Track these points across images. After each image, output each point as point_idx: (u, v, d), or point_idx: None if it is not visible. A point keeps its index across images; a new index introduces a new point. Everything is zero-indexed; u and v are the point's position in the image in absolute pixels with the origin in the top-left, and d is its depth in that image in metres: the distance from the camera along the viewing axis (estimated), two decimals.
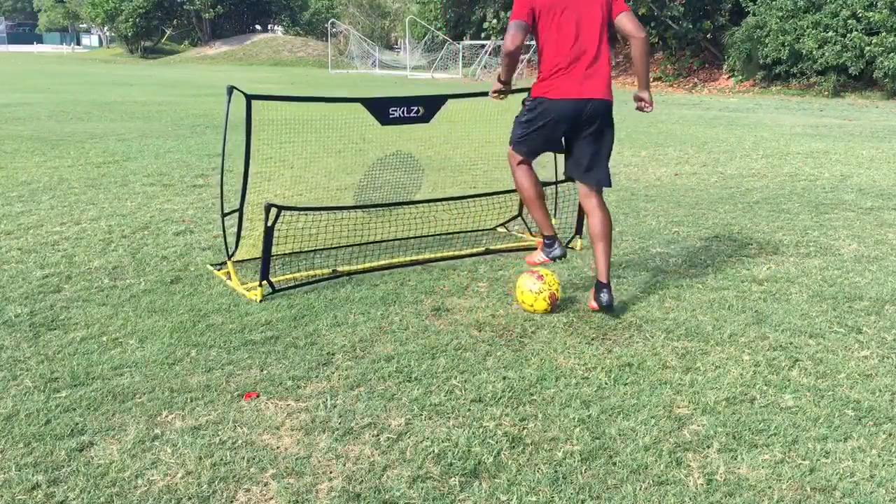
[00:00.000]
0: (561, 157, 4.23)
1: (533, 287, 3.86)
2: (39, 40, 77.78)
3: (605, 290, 3.81)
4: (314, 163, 7.46)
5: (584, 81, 3.75)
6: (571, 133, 3.86)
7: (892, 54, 19.85)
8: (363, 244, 5.01)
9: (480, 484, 2.39)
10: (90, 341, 3.39)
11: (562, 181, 5.28)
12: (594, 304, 3.87)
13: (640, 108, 4.05)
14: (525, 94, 4.01)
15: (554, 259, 4.03)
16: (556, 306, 3.91)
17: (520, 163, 4.00)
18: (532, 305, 3.87)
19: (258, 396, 2.92)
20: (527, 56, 29.68)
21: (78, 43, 74.47)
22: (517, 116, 4.02)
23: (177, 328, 3.56)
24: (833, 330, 3.70)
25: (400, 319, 3.75)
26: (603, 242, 3.86)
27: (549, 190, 5.52)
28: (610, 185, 3.99)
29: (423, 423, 2.75)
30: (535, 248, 4.23)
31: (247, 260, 4.54)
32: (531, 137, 3.92)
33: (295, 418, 2.76)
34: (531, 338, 3.55)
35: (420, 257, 4.77)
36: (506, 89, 4.06)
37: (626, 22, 3.80)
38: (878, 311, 3.96)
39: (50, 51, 65.71)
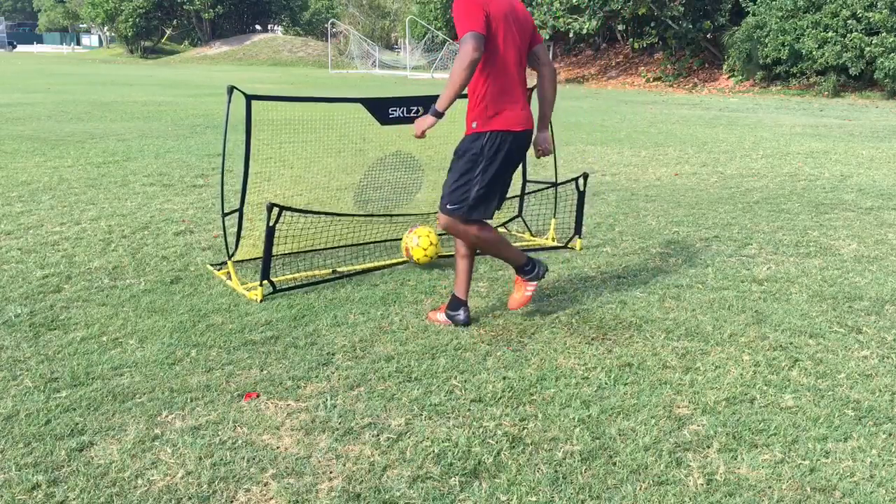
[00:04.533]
0: (558, 158, 4.21)
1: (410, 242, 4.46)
2: (39, 40, 77.79)
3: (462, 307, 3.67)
4: (314, 163, 7.46)
5: (526, 109, 3.51)
6: (512, 165, 3.54)
7: (892, 54, 19.84)
8: (363, 244, 5.02)
9: (480, 484, 2.39)
10: (90, 341, 3.39)
11: (562, 182, 5.29)
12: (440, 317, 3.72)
13: (543, 153, 3.76)
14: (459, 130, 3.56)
15: (541, 275, 3.68)
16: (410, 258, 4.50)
17: (470, 223, 3.51)
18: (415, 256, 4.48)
19: (258, 396, 2.92)
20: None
21: (78, 43, 74.47)
22: (457, 169, 3.47)
23: (177, 328, 3.56)
24: (833, 330, 3.70)
25: (400, 319, 3.75)
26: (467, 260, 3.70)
27: (549, 190, 5.54)
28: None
29: (423, 423, 2.75)
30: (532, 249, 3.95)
31: (247, 260, 4.54)
32: (492, 188, 3.47)
33: (295, 418, 2.76)
34: (531, 338, 3.55)
35: None
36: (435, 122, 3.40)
37: (542, 52, 3.60)
38: (878, 311, 3.96)
39: (50, 51, 65.70)
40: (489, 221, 3.67)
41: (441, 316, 3.72)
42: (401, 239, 5.11)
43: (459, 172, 3.47)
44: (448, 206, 3.50)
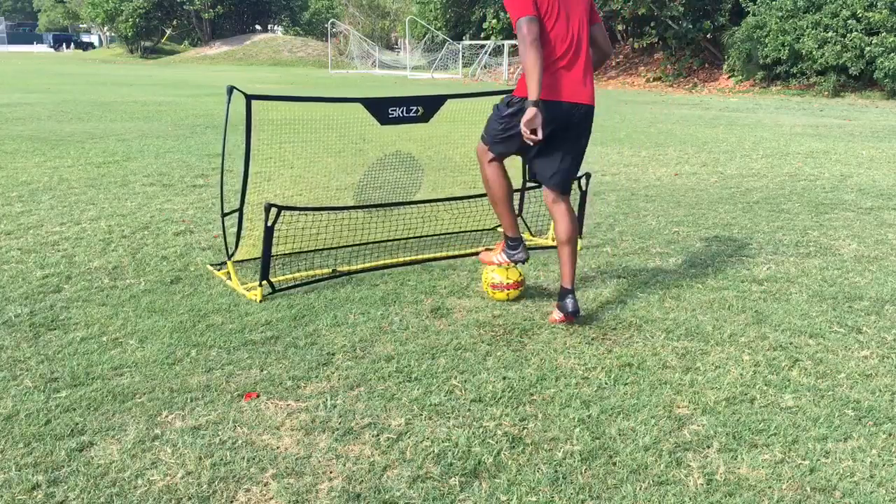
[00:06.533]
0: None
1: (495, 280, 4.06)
2: (39, 40, 77.80)
3: (569, 296, 3.65)
4: (314, 163, 7.46)
5: (581, 84, 3.59)
6: (554, 137, 3.59)
7: (892, 54, 19.83)
8: (363, 244, 5.02)
9: (480, 484, 2.39)
10: (90, 341, 3.39)
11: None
12: (556, 316, 3.72)
13: None
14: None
15: (516, 262, 3.98)
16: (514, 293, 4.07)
17: (491, 160, 3.85)
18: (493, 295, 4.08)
19: (258, 396, 2.92)
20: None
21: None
22: (497, 109, 3.76)
23: (177, 328, 3.56)
24: (833, 330, 3.70)
25: (400, 319, 3.75)
26: (569, 247, 3.71)
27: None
28: (568, 192, 3.79)
29: (423, 423, 2.75)
30: (497, 248, 4.10)
31: (247, 260, 4.54)
32: (509, 136, 3.69)
33: (295, 418, 2.76)
34: (531, 338, 3.55)
35: (420, 257, 4.77)
36: (541, 115, 3.35)
37: (599, 33, 3.74)
38: (878, 311, 3.96)
39: (50, 51, 65.72)
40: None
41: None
42: (399, 239, 5.11)
43: (494, 113, 3.80)
44: (483, 133, 3.89)
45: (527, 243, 5.15)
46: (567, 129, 3.63)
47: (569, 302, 3.65)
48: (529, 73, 3.36)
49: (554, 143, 3.64)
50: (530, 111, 3.34)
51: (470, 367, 3.22)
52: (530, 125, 3.35)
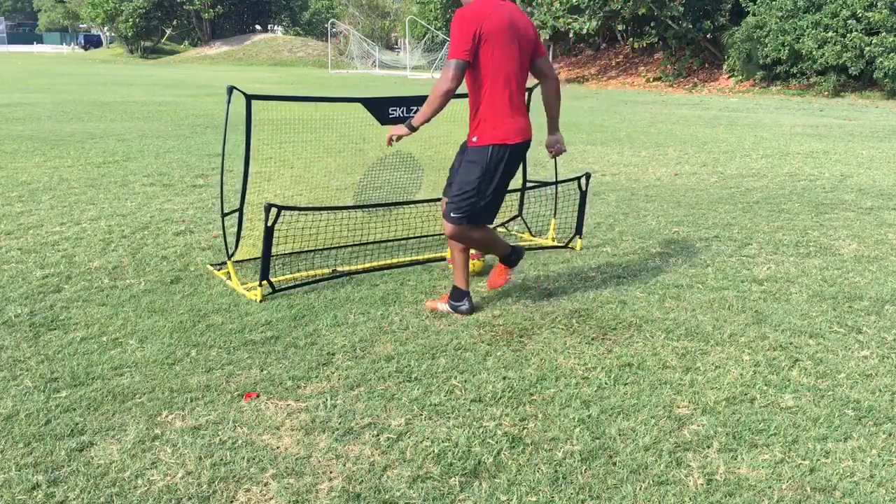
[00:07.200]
0: (558, 157, 4.21)
1: None
2: (39, 40, 77.86)
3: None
4: (314, 163, 7.46)
5: (525, 119, 3.61)
6: (506, 176, 3.65)
7: (892, 54, 19.83)
8: (363, 244, 5.02)
9: (480, 484, 2.39)
10: (90, 341, 3.39)
11: (563, 181, 5.29)
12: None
13: (557, 153, 3.92)
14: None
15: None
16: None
17: (479, 231, 3.69)
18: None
19: (258, 396, 2.92)
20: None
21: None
22: (463, 180, 3.56)
23: (177, 328, 3.56)
24: (833, 330, 3.70)
25: (400, 319, 3.75)
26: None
27: (548, 190, 5.54)
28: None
29: (423, 423, 2.75)
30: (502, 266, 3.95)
31: (247, 260, 4.54)
32: (495, 198, 3.62)
33: (295, 418, 2.76)
34: (531, 338, 3.55)
35: (420, 257, 4.77)
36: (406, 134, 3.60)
37: (546, 65, 3.72)
38: (878, 311, 3.96)
39: (50, 51, 65.77)
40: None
41: (442, 305, 3.85)
42: (399, 239, 5.11)
43: (465, 183, 3.58)
44: (453, 215, 3.61)
45: (527, 244, 5.15)
46: (512, 167, 3.64)
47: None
48: (429, 110, 3.47)
49: (505, 182, 3.64)
50: (404, 129, 3.56)
51: (470, 367, 3.22)
52: (395, 136, 3.60)
